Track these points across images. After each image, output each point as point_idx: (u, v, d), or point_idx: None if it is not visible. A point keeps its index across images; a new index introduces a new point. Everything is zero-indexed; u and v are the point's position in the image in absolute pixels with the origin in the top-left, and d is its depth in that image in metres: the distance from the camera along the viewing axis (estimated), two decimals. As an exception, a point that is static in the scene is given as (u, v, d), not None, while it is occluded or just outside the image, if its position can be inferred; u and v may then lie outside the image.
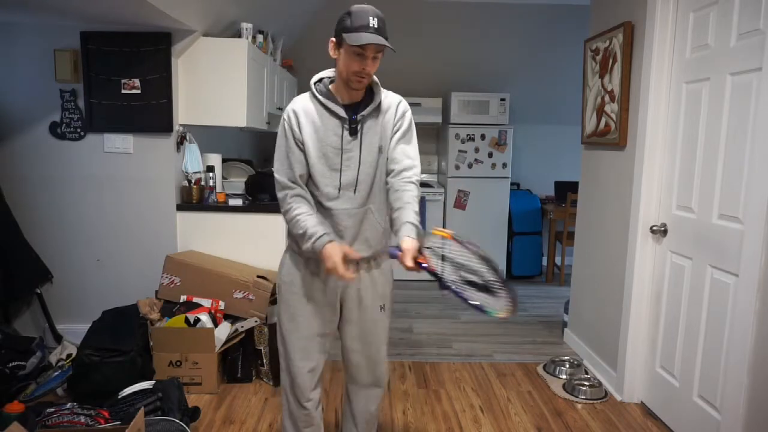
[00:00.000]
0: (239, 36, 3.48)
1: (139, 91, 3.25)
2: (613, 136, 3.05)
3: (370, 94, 1.81)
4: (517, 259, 5.46)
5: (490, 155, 5.20)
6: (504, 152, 5.21)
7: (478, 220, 5.22)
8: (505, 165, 5.22)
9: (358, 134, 1.77)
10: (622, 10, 3.01)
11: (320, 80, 1.82)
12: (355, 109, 1.77)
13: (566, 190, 5.10)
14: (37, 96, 3.30)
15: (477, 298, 1.57)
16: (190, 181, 3.46)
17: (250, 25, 3.52)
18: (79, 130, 3.34)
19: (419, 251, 1.61)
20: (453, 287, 1.59)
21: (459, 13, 4.97)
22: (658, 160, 2.73)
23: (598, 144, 3.31)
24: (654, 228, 2.72)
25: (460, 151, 5.19)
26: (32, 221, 3.38)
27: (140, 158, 3.36)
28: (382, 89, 1.83)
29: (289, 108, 1.80)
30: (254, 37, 3.65)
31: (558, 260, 5.66)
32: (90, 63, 3.23)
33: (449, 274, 1.62)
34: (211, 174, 3.47)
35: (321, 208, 1.82)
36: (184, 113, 3.38)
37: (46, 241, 3.40)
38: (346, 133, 1.76)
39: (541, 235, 5.53)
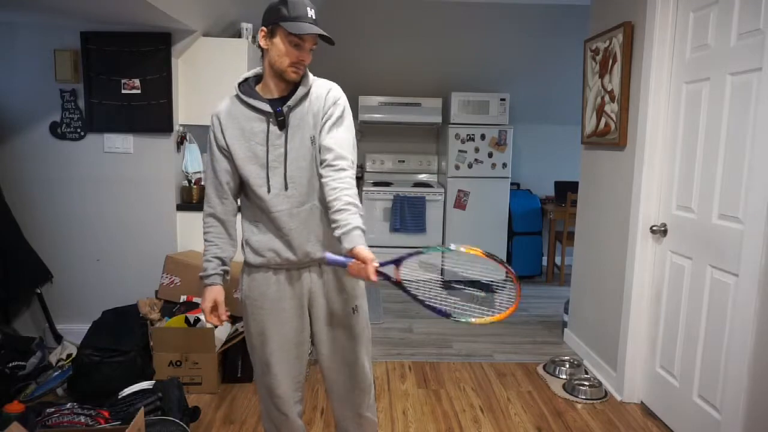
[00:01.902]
0: (239, 36, 3.48)
1: (139, 91, 3.26)
2: (613, 136, 3.05)
3: (298, 85, 1.70)
4: (517, 259, 5.46)
5: (490, 155, 5.20)
6: (504, 152, 5.20)
7: (478, 220, 5.21)
8: (505, 165, 5.21)
9: (286, 127, 1.68)
10: (622, 10, 3.01)
11: (245, 80, 1.74)
12: (284, 102, 1.68)
13: (566, 190, 5.10)
14: (37, 96, 3.30)
15: (448, 305, 1.50)
16: (190, 181, 3.46)
17: (250, 25, 3.53)
18: (79, 130, 3.34)
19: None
20: (419, 297, 1.53)
21: (459, 13, 4.97)
22: (658, 160, 2.73)
23: (598, 144, 3.31)
24: (654, 228, 2.72)
25: (460, 151, 5.19)
26: (32, 221, 3.38)
27: (140, 158, 3.36)
28: (312, 77, 1.73)
29: (212, 114, 1.74)
30: (254, 37, 3.65)
31: (558, 260, 5.66)
32: (90, 63, 3.23)
33: (422, 285, 1.55)
34: (211, 174, 3.46)
35: (261, 213, 1.73)
36: (184, 113, 3.39)
37: (46, 241, 3.40)
38: (273, 127, 1.68)
39: (541, 235, 5.53)
